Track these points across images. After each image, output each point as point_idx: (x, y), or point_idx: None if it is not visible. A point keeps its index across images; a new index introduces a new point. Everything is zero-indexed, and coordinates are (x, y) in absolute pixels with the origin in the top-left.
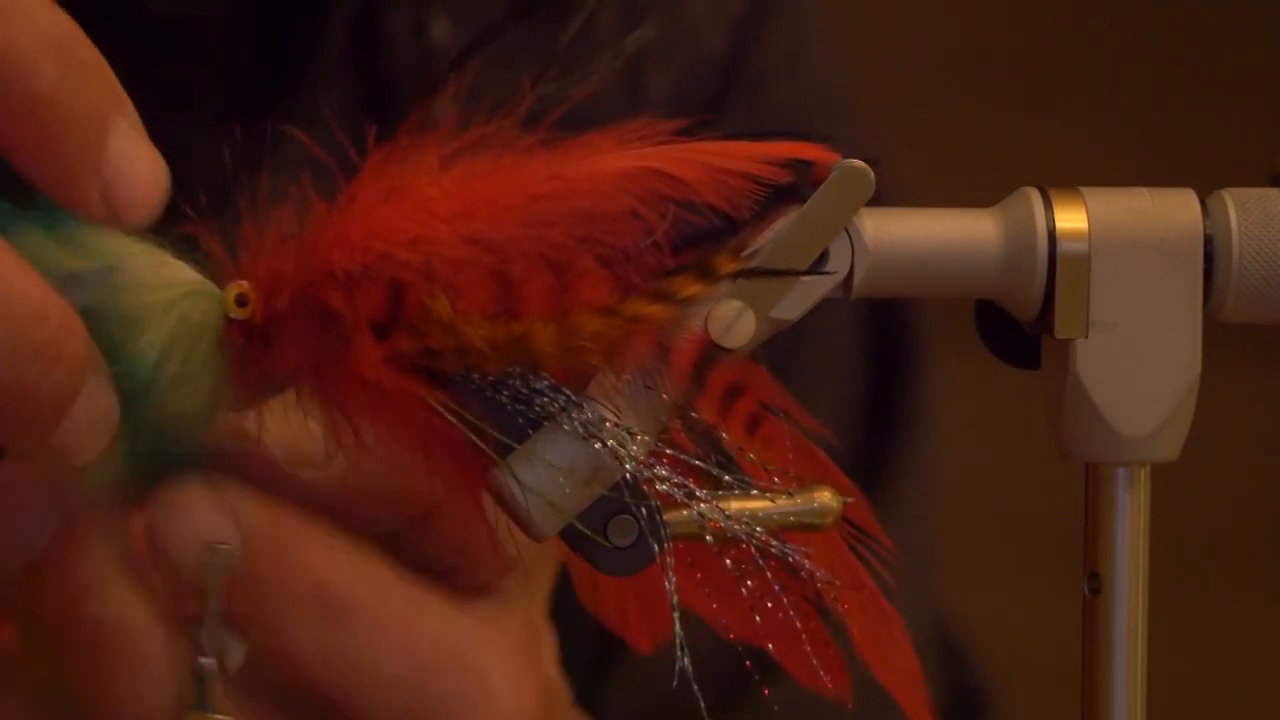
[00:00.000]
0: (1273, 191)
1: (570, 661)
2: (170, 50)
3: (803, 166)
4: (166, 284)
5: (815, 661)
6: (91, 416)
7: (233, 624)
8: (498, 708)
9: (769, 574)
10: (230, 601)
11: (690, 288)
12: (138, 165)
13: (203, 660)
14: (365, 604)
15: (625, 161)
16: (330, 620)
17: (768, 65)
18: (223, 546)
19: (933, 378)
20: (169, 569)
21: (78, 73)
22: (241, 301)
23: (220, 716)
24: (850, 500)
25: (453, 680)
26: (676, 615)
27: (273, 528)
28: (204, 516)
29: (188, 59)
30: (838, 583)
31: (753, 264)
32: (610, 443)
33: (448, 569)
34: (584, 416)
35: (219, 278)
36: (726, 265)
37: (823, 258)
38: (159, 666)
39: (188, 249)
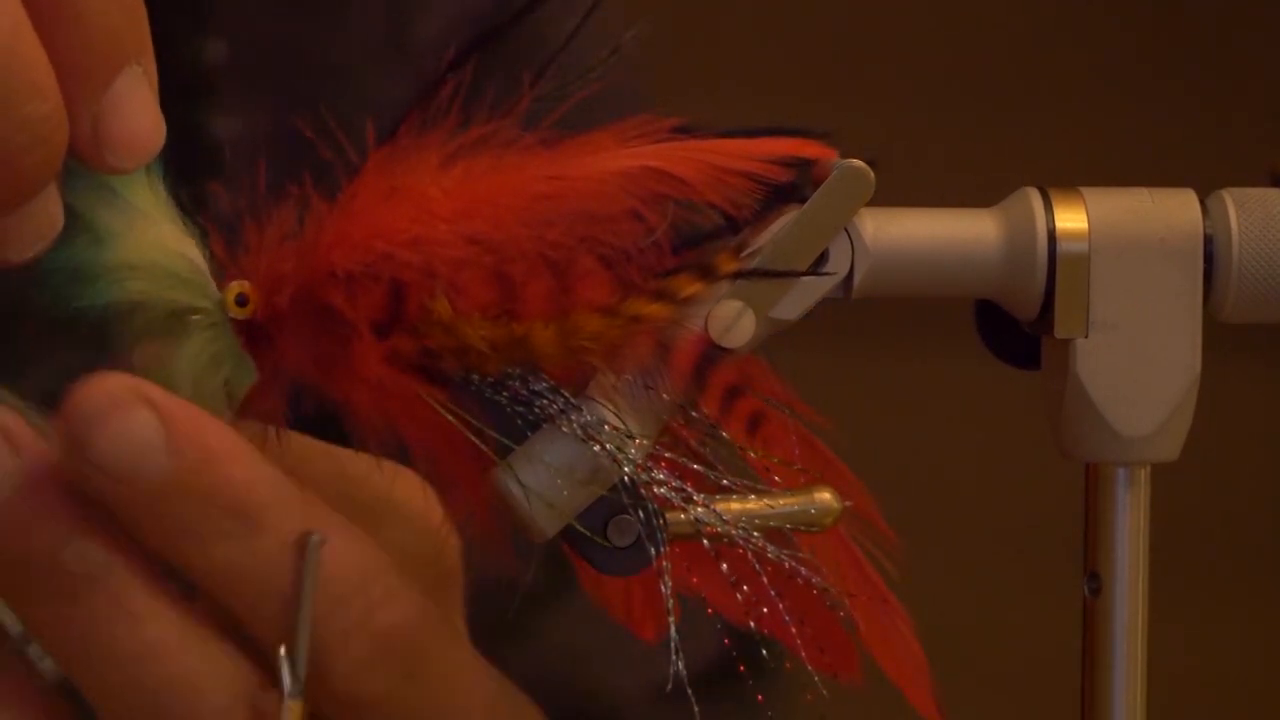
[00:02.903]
0: (1273, 191)
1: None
2: None
3: (803, 165)
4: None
5: (822, 651)
6: (40, 223)
7: (136, 532)
8: (367, 635)
9: (765, 579)
10: (139, 507)
11: (690, 287)
12: (138, 110)
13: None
14: (275, 519)
15: (625, 161)
16: (240, 530)
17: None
18: (315, 538)
19: None
20: (100, 473)
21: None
22: (242, 301)
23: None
24: (850, 505)
25: (350, 598)
26: (673, 620)
27: (194, 430)
28: (137, 415)
29: None
30: (833, 589)
31: (753, 264)
32: (608, 446)
33: None
34: (582, 419)
35: (220, 276)
36: (727, 265)
37: (823, 258)
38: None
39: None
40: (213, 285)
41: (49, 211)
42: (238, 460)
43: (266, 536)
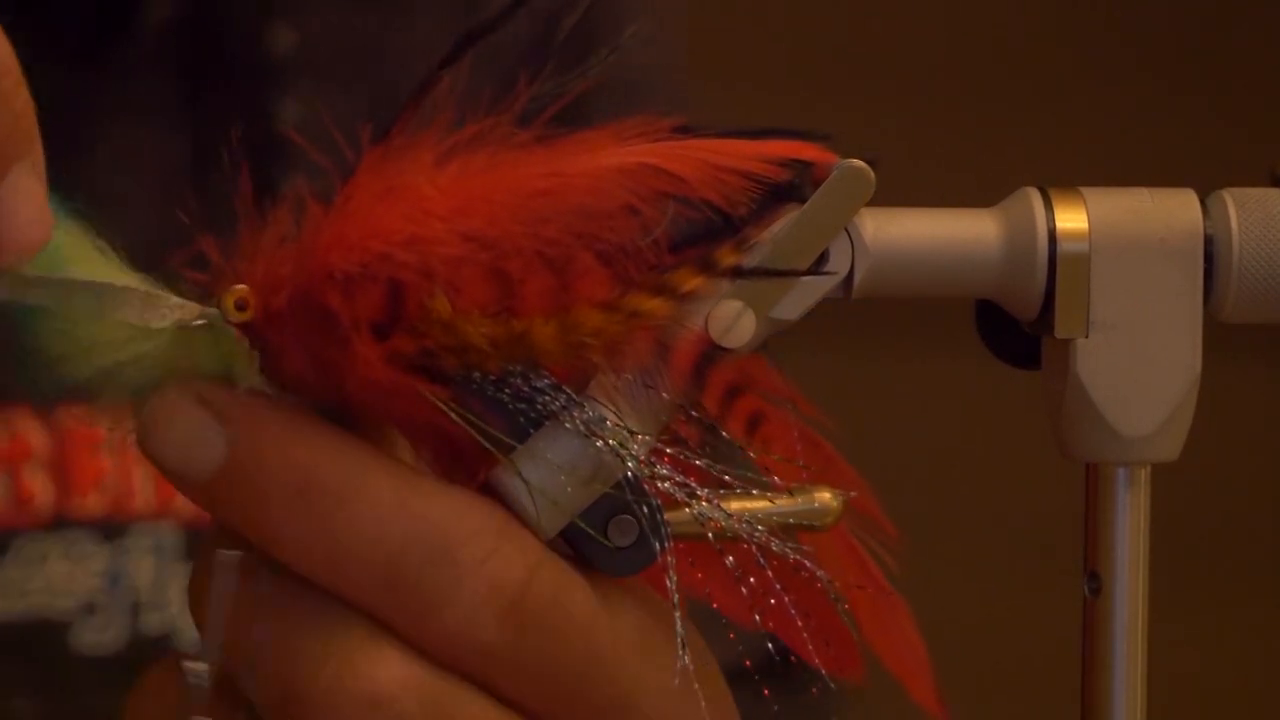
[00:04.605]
0: (1273, 191)
1: None
2: None
3: (802, 166)
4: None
5: (827, 647)
6: (24, 202)
7: (218, 521)
8: (469, 591)
9: (770, 573)
10: (212, 498)
11: (691, 281)
12: (26, 208)
13: (193, 666)
14: (346, 488)
15: (623, 158)
16: (312, 507)
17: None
18: (228, 554)
19: None
20: (160, 470)
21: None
22: (241, 306)
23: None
24: (854, 494)
25: (429, 563)
26: (679, 615)
27: (252, 420)
28: (186, 414)
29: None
30: (837, 584)
31: (753, 261)
32: (611, 441)
33: None
34: (585, 415)
35: (217, 283)
36: (727, 259)
37: (823, 258)
38: None
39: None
40: (191, 302)
41: (32, 193)
42: (298, 441)
43: (342, 511)
